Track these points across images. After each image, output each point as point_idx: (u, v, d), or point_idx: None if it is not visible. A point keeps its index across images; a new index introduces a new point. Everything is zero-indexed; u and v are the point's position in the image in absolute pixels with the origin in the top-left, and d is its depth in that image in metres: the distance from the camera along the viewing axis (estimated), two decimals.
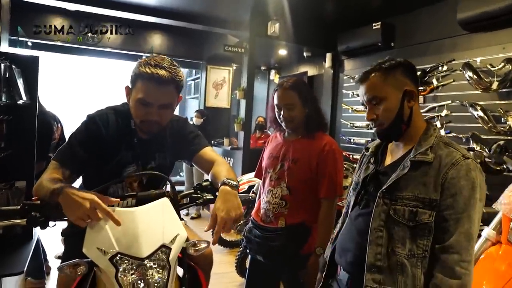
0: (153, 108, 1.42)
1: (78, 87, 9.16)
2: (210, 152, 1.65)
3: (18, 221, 1.24)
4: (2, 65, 2.19)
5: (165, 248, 1.18)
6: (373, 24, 4.82)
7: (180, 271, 1.42)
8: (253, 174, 4.52)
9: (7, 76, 2.25)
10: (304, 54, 6.12)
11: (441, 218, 1.16)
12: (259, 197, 2.15)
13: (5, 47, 4.50)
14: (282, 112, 1.97)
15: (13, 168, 2.55)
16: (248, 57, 5.39)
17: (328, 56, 5.82)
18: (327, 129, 2.11)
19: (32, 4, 5.14)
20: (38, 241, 2.88)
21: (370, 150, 1.43)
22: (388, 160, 1.36)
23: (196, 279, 1.43)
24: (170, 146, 1.64)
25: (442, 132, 4.08)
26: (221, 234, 4.30)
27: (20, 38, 5.39)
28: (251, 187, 4.32)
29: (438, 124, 4.16)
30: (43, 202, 1.25)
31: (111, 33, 6.08)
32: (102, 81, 8.66)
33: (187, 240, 1.30)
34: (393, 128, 1.28)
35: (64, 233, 1.64)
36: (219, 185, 1.36)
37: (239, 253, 3.47)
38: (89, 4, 5.12)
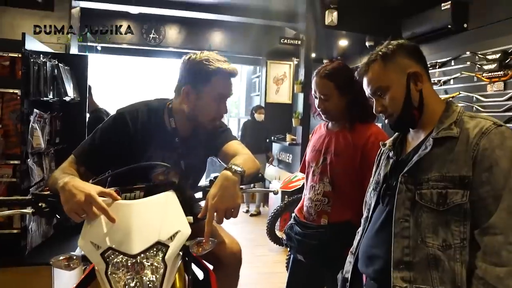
0: (225, 101, 1.47)
1: (138, 86, 9.64)
2: (236, 145, 1.54)
3: (24, 210, 1.23)
4: (48, 63, 2.29)
5: (161, 246, 1.08)
6: (442, 4, 4.33)
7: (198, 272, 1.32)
8: None
9: (54, 74, 2.35)
10: (367, 43, 5.73)
11: (477, 198, 1.01)
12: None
13: (75, 52, 4.84)
14: (317, 103, 1.81)
15: None
16: (305, 49, 5.19)
17: None
18: (374, 118, 1.88)
19: (98, 11, 5.47)
20: None
21: (387, 145, 1.29)
22: (409, 149, 1.21)
23: (206, 281, 1.31)
24: (204, 143, 1.57)
25: None
26: (276, 232, 4.23)
27: (89, 44, 5.75)
28: None
29: None
30: (51, 193, 1.23)
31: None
32: (161, 80, 9.05)
33: (193, 238, 1.19)
34: (404, 117, 1.16)
35: None
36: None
37: (290, 252, 3.31)
38: (149, 5, 5.31)
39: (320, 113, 1.82)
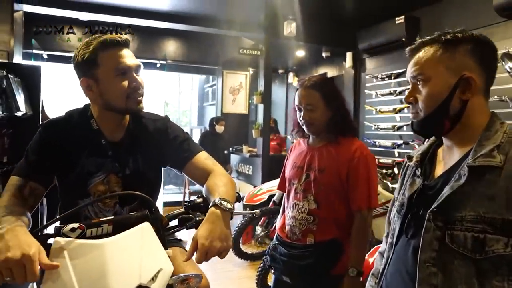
0: (132, 73, 1.28)
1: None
2: (204, 160, 1.40)
3: None
4: None
5: None
6: (396, 18, 4.53)
7: None
8: (273, 182, 4.31)
9: (3, 86, 2.11)
10: (323, 54, 5.86)
11: None
12: (283, 211, 1.94)
13: (19, 60, 4.46)
14: (302, 114, 1.76)
15: None
16: (264, 60, 5.18)
17: (349, 55, 5.55)
18: (356, 133, 1.88)
19: (45, 16, 5.10)
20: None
21: (414, 159, 1.10)
22: (439, 170, 1.02)
23: None
24: (150, 150, 1.41)
25: None
26: (241, 246, 4.13)
27: (35, 51, 5.35)
28: (271, 196, 4.08)
29: None
30: None
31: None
32: None
33: (175, 274, 1.06)
34: (432, 121, 0.97)
35: None
36: (210, 205, 1.14)
37: (260, 268, 3.23)
38: (101, 12, 5.04)
39: (304, 125, 1.78)
